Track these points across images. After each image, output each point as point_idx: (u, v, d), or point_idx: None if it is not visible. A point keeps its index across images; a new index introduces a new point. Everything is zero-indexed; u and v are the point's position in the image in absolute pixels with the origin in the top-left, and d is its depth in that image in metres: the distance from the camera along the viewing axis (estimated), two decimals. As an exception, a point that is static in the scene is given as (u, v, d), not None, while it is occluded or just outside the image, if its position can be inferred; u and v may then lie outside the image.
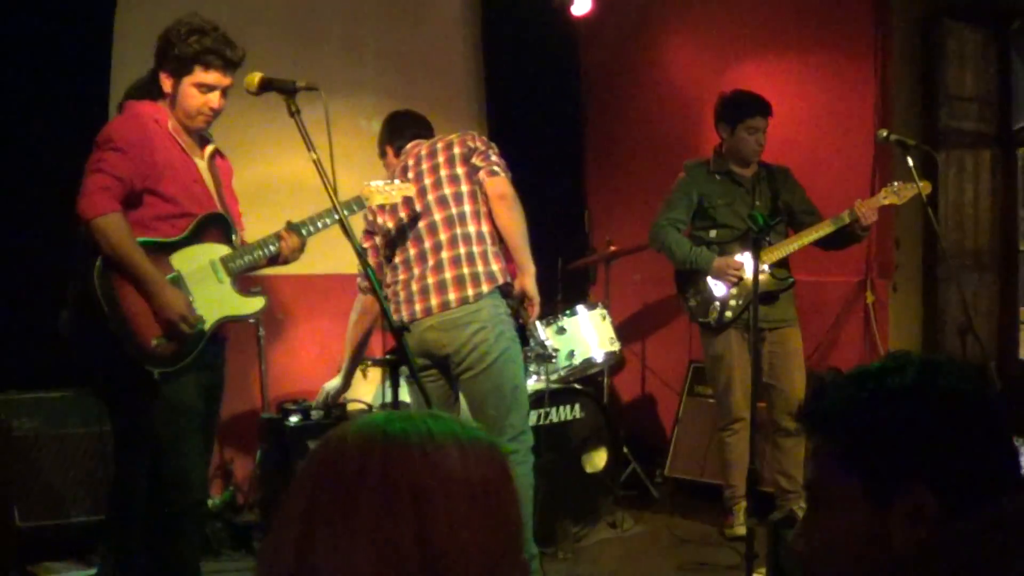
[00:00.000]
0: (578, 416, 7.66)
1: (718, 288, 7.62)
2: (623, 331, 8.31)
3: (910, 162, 7.06)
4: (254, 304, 5.58)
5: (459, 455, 1.76)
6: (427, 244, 6.27)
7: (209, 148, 5.58)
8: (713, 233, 7.77)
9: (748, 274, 7.47)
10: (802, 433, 7.49)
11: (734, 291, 7.56)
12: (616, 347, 8.09)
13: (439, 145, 6.41)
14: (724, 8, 9.35)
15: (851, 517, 2.02)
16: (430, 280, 6.20)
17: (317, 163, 4.73)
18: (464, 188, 6.26)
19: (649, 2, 9.84)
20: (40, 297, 6.68)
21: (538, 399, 7.40)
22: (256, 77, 4.93)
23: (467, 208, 6.26)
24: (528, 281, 6.18)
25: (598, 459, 7.74)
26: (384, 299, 4.60)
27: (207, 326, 5.31)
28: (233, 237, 5.50)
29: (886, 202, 7.43)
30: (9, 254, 7.02)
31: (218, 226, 5.44)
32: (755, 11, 9.10)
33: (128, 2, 7.57)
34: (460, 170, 6.29)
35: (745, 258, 7.55)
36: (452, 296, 6.14)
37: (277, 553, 1.74)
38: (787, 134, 7.95)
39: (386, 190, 5.98)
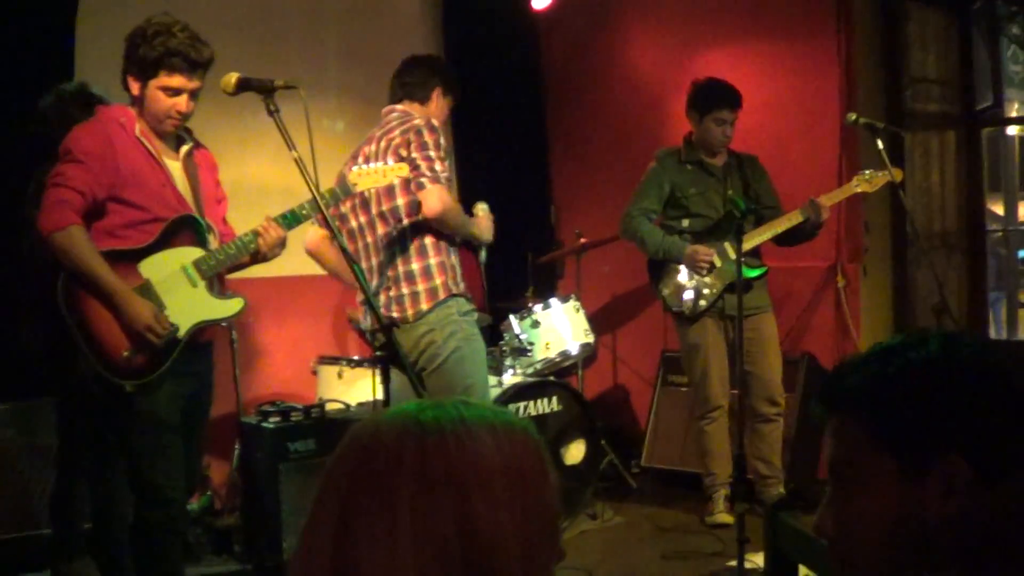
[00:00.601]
0: (555, 409, 7.65)
1: (688, 277, 7.62)
2: (594, 323, 8.30)
3: (880, 144, 7.09)
4: (231, 306, 5.50)
5: (493, 441, 1.76)
6: (374, 261, 6.28)
7: (185, 147, 5.48)
8: (686, 222, 7.77)
9: (719, 263, 7.50)
10: (779, 419, 7.56)
11: (708, 279, 7.56)
12: (591, 339, 8.11)
13: (378, 144, 6.28)
14: (685, -3, 9.37)
15: (883, 494, 2.01)
16: (381, 297, 6.19)
17: (299, 162, 4.68)
18: (400, 201, 6.17)
19: (609, -7, 9.85)
20: (9, 307, 6.66)
21: (515, 393, 7.39)
22: (233, 77, 4.87)
23: (404, 223, 6.20)
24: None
25: (576, 451, 7.73)
26: (374, 298, 4.56)
27: (181, 333, 5.22)
28: (209, 238, 5.43)
29: (858, 190, 7.46)
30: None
31: (190, 229, 5.33)
32: (716, -1, 9.12)
33: (90, 8, 7.51)
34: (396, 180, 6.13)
35: (717, 247, 7.56)
36: (396, 315, 6.13)
37: (312, 551, 1.73)
38: (752, 120, 7.96)
39: (376, 172, 5.83)
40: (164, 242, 5.23)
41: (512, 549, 1.71)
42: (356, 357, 7.93)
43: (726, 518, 7.54)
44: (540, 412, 7.49)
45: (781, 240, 7.61)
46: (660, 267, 7.77)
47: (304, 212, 5.48)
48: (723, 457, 7.66)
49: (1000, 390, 2.00)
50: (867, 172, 7.45)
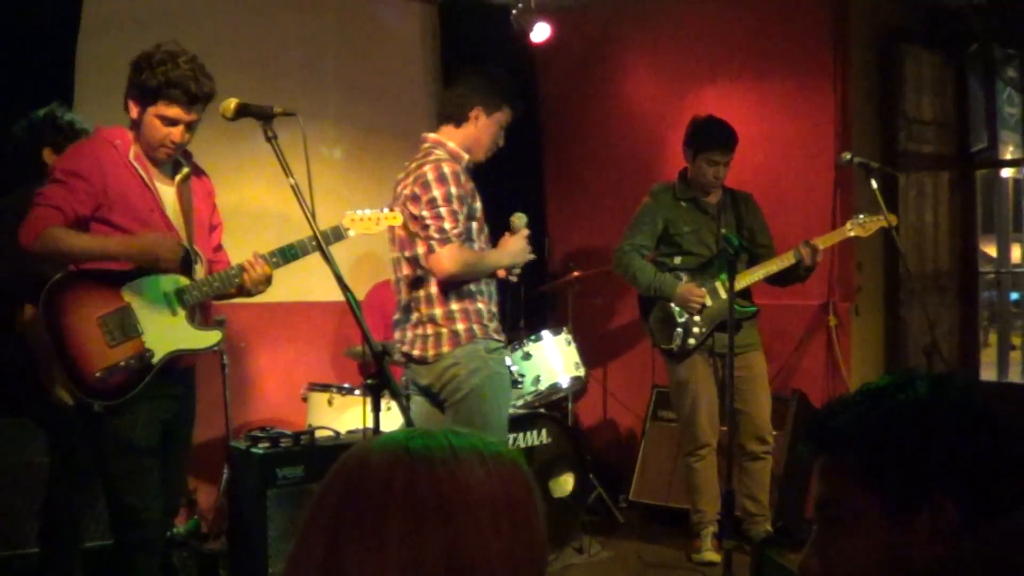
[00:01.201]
0: (545, 441, 7.66)
1: (679, 314, 7.61)
2: (585, 356, 8.30)
3: (874, 184, 7.10)
4: (209, 338, 5.49)
5: (483, 470, 1.77)
6: (403, 297, 6.29)
7: (180, 174, 5.48)
8: (678, 260, 7.76)
9: (710, 302, 7.51)
10: (768, 456, 7.56)
11: (697, 318, 7.55)
12: (581, 372, 8.09)
13: (401, 187, 6.21)
14: (683, 34, 9.39)
15: (870, 535, 2.01)
16: (407, 332, 6.22)
17: (295, 188, 4.68)
18: (420, 250, 6.11)
19: (608, 29, 9.88)
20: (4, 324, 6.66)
21: (511, 424, 7.38)
22: (232, 103, 4.86)
23: (416, 271, 6.18)
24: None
25: (565, 484, 7.73)
26: (363, 325, 4.56)
27: (156, 359, 5.23)
28: (196, 267, 5.43)
29: (852, 234, 7.47)
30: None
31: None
32: (714, 36, 9.15)
33: (90, 32, 7.53)
34: (402, 231, 6.17)
35: (708, 286, 7.56)
36: (417, 353, 6.16)
37: (300, 573, 1.74)
38: (747, 158, 7.96)
39: (370, 220, 5.83)
40: (149, 268, 5.24)
41: (497, 563, 1.71)
42: (347, 385, 7.92)
43: (713, 556, 7.53)
44: (529, 444, 7.49)
45: (773, 280, 7.60)
46: (651, 303, 7.76)
47: (293, 252, 5.49)
48: (711, 494, 7.65)
49: (987, 432, 2.01)
50: (861, 216, 7.46)
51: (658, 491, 8.65)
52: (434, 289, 6.12)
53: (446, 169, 6.03)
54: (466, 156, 6.27)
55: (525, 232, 6.24)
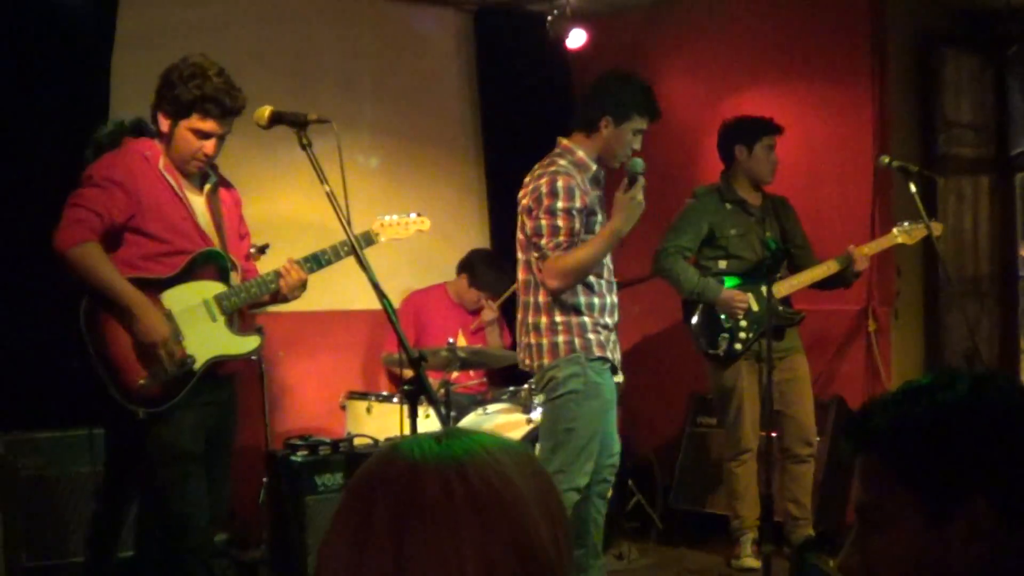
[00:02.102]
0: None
1: (724, 319, 7.55)
2: (623, 363, 8.25)
3: (912, 188, 7.06)
4: (248, 344, 5.54)
5: (513, 463, 1.79)
6: (519, 298, 6.45)
7: (209, 184, 5.52)
8: (723, 264, 7.65)
9: (756, 307, 7.45)
10: (812, 460, 7.52)
11: (743, 322, 7.51)
12: (620, 378, 8.05)
13: (521, 195, 6.34)
14: (720, 38, 9.36)
15: (908, 536, 1.99)
16: (520, 339, 6.42)
17: (331, 196, 4.68)
18: (532, 255, 6.22)
19: (644, 34, 9.85)
20: (44, 337, 6.69)
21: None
22: (266, 111, 4.88)
23: (532, 276, 6.28)
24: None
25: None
26: (399, 331, 4.56)
27: (197, 366, 5.26)
28: (231, 274, 5.46)
29: (898, 241, 7.45)
30: (13, 294, 6.99)
31: (213, 263, 5.40)
32: (751, 40, 9.11)
33: (125, 43, 7.56)
34: (523, 235, 6.29)
35: (753, 290, 7.50)
36: (527, 363, 6.34)
37: None
38: (785, 162, 7.90)
39: (399, 225, 5.90)
40: (188, 274, 5.28)
41: (550, 557, 1.75)
42: (385, 392, 7.94)
43: (752, 562, 7.49)
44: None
45: (817, 284, 7.57)
46: (695, 308, 7.70)
47: (327, 257, 5.53)
48: (751, 500, 7.61)
49: None
50: (907, 224, 7.43)
51: (698, 497, 8.62)
52: (542, 298, 6.23)
53: (560, 184, 6.09)
54: (594, 166, 6.33)
55: (641, 182, 6.05)
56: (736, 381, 7.58)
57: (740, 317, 7.49)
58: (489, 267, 8.57)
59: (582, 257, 6.09)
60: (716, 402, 7.89)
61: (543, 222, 6.06)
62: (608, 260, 6.35)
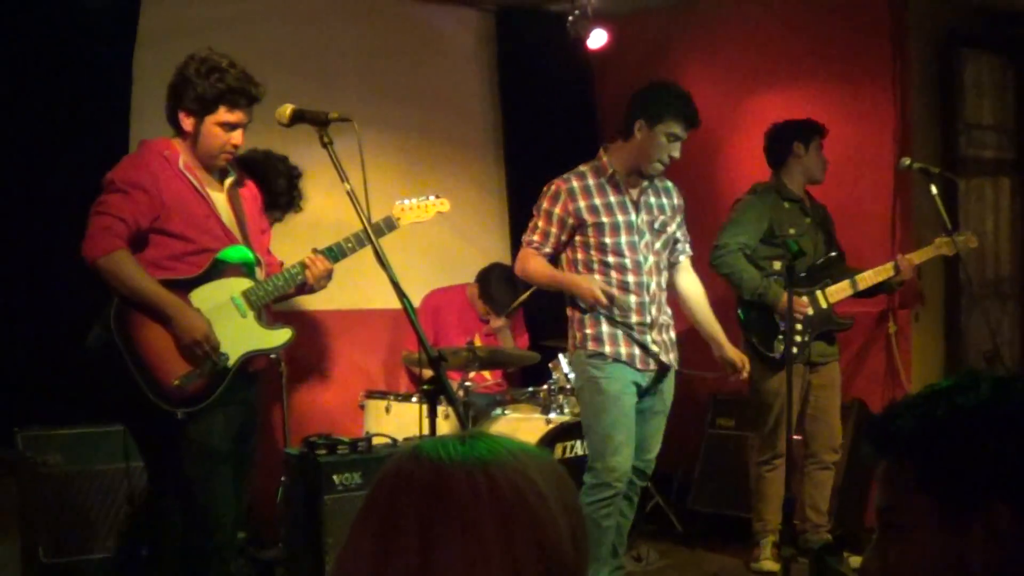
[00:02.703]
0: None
1: (781, 322, 7.44)
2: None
3: (934, 190, 7.05)
4: (280, 337, 5.55)
5: (535, 463, 1.82)
6: None
7: (228, 180, 5.53)
8: (777, 265, 7.49)
9: (811, 311, 7.40)
10: (835, 466, 7.49)
11: (798, 326, 7.41)
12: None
13: None
14: (741, 39, 9.34)
15: (928, 540, 1.97)
16: None
17: (351, 194, 4.69)
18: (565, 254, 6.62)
19: (665, 35, 9.84)
20: (65, 335, 6.70)
21: (562, 431, 7.38)
22: (288, 109, 4.88)
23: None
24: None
25: (623, 492, 7.69)
26: (419, 330, 4.56)
27: (231, 362, 5.28)
28: (256, 269, 5.47)
29: (942, 251, 7.44)
30: (35, 294, 7.02)
31: (239, 260, 5.41)
32: (772, 42, 9.09)
33: (147, 40, 7.58)
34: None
35: (809, 294, 7.47)
36: None
37: None
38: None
39: (419, 208, 5.94)
40: (214, 273, 5.29)
41: (572, 558, 1.78)
42: (404, 392, 7.94)
43: (772, 565, 7.45)
44: (578, 454, 7.44)
45: (862, 291, 7.58)
46: (751, 309, 7.58)
47: (349, 246, 5.55)
48: (778, 504, 7.55)
49: None
50: (960, 234, 7.46)
51: (717, 499, 8.60)
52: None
53: (553, 186, 6.50)
54: (611, 169, 6.51)
55: (613, 292, 6.38)
56: (784, 385, 7.45)
57: (797, 322, 7.41)
58: (501, 284, 8.53)
59: (533, 272, 6.59)
60: (758, 404, 7.69)
61: (534, 214, 6.54)
62: (637, 257, 6.46)
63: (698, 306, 6.83)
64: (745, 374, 6.80)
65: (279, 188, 7.07)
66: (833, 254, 7.55)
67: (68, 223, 6.02)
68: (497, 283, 8.57)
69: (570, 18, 9.14)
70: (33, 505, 6.65)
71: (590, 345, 6.39)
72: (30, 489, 6.66)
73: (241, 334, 5.34)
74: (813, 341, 7.45)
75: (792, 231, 7.51)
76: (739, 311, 7.64)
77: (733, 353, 6.81)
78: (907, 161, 7.26)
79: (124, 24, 7.45)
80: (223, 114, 5.28)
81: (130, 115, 7.38)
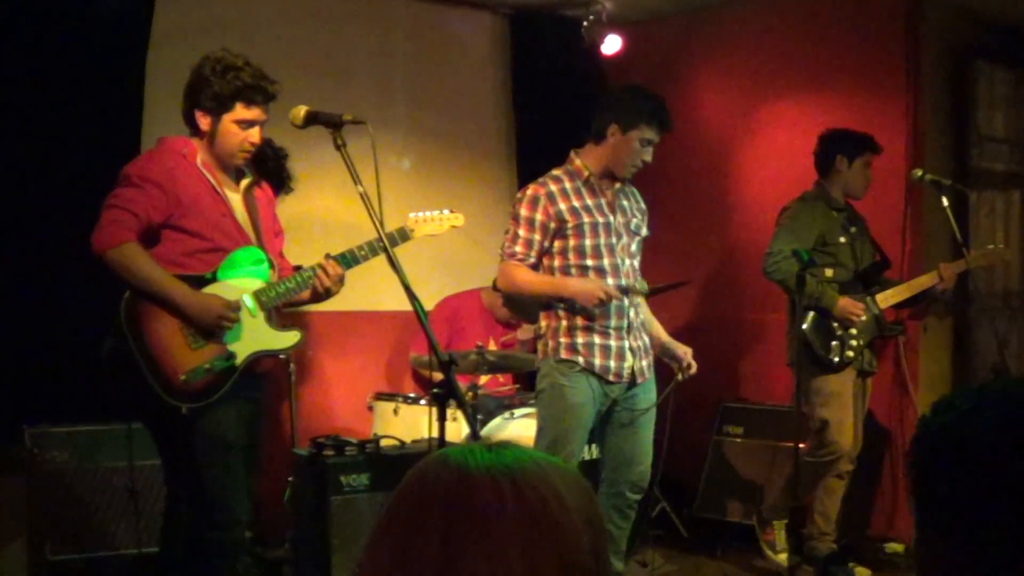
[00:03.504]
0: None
1: (838, 327, 7.41)
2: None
3: (945, 202, 7.06)
4: (289, 338, 5.55)
5: (557, 475, 1.81)
6: None
7: (245, 181, 5.54)
8: (829, 272, 7.49)
9: (866, 317, 7.40)
10: (849, 476, 7.48)
11: (853, 330, 7.42)
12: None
13: None
14: (754, 49, 9.34)
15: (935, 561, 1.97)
16: None
17: (364, 196, 4.71)
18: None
19: (679, 42, 9.85)
20: (72, 332, 6.72)
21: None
22: (302, 110, 4.89)
23: None
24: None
25: (629, 497, 7.70)
26: (428, 332, 4.57)
27: (239, 361, 5.29)
28: (269, 271, 5.47)
29: (981, 263, 7.45)
30: (41, 290, 7.02)
31: (251, 260, 5.41)
32: (785, 52, 9.09)
33: (160, 40, 7.59)
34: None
35: (864, 301, 7.47)
36: None
37: None
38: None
39: (433, 220, 5.95)
40: (226, 272, 5.28)
41: (593, 570, 1.77)
42: (412, 394, 7.95)
43: (783, 559, 7.43)
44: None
45: (906, 301, 7.63)
46: (805, 314, 7.42)
47: (362, 253, 5.54)
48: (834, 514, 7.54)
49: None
50: (992, 247, 7.53)
51: (723, 506, 8.61)
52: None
53: (529, 192, 6.37)
54: (586, 172, 6.45)
55: (617, 294, 6.30)
56: (843, 387, 7.43)
57: (853, 326, 7.42)
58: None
59: (524, 284, 6.41)
60: (813, 408, 7.49)
61: (510, 225, 6.39)
62: (615, 261, 6.46)
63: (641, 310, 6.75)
64: (693, 370, 6.71)
65: (267, 170, 7.04)
66: (878, 260, 7.56)
67: (78, 221, 6.04)
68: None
69: (585, 23, 9.17)
70: (40, 502, 6.67)
71: (563, 353, 6.34)
72: (37, 486, 6.68)
73: (250, 334, 5.34)
74: (867, 347, 7.46)
75: (842, 240, 7.53)
76: (790, 319, 7.61)
77: (677, 347, 6.77)
78: (919, 172, 7.26)
79: (138, 24, 7.45)
80: (240, 111, 5.28)
81: (143, 115, 7.38)
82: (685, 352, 6.71)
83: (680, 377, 6.69)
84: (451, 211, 6.05)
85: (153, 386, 5.09)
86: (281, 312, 5.66)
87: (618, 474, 6.47)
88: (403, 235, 5.72)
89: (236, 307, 5.24)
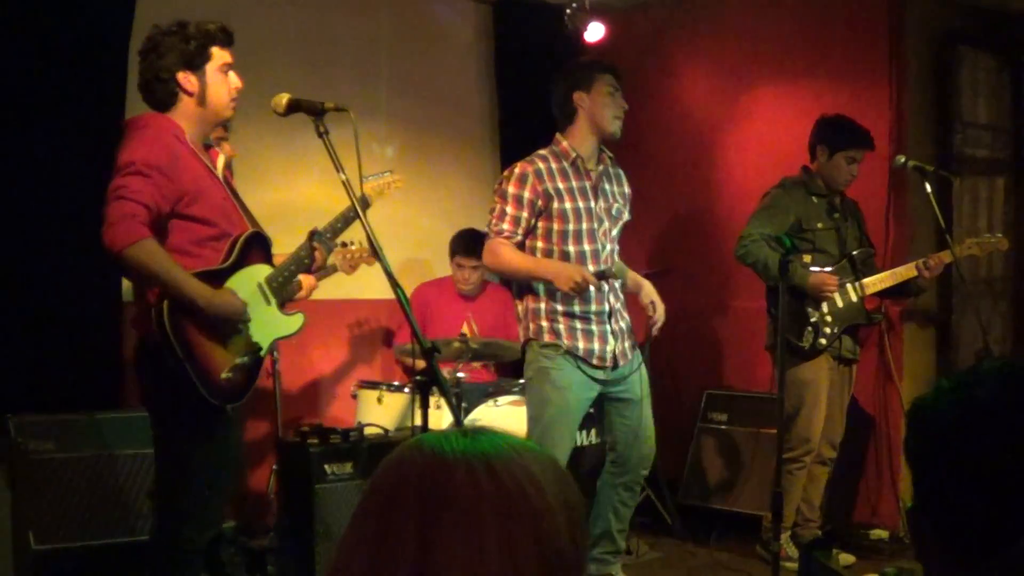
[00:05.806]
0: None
1: (811, 312, 7.44)
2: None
3: (928, 188, 7.06)
4: (296, 322, 5.47)
5: (535, 460, 1.81)
6: None
7: (221, 159, 5.40)
8: (807, 258, 7.50)
9: (840, 303, 7.40)
10: (832, 463, 7.49)
11: (828, 317, 7.44)
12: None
13: None
14: (738, 35, 9.35)
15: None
16: None
17: (347, 184, 4.68)
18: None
19: (662, 29, 9.85)
20: (55, 320, 6.70)
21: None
22: (284, 98, 4.85)
23: None
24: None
25: (613, 485, 7.70)
26: (412, 320, 4.55)
27: (263, 351, 5.25)
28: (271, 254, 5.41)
29: (970, 252, 7.43)
30: (23, 276, 6.99)
31: (259, 245, 5.32)
32: (769, 38, 9.09)
33: (143, 29, 7.52)
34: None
35: (841, 287, 7.48)
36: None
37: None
38: (800, 160, 7.86)
39: (376, 182, 6.09)
40: (243, 260, 5.17)
41: (571, 555, 1.78)
42: (396, 383, 7.95)
43: (792, 550, 7.43)
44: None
45: (892, 290, 7.60)
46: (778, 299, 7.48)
47: (339, 226, 5.56)
48: (794, 503, 7.51)
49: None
50: (987, 236, 7.53)
51: (707, 494, 8.62)
52: (519, 284, 6.66)
53: (517, 169, 6.45)
54: (573, 153, 6.52)
55: (594, 280, 6.32)
56: (817, 376, 7.44)
57: (826, 312, 7.42)
58: (460, 236, 8.56)
59: (507, 262, 6.48)
60: (790, 395, 7.27)
61: (496, 202, 6.44)
62: (596, 246, 6.53)
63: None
64: (658, 316, 6.73)
65: None
66: (863, 248, 7.55)
67: (60, 211, 6.03)
68: (456, 237, 8.57)
69: (568, 11, 9.16)
70: (24, 491, 6.64)
71: (546, 336, 6.42)
72: (21, 475, 6.65)
73: (267, 322, 5.26)
74: (842, 335, 7.45)
75: (820, 225, 7.53)
76: (768, 303, 7.64)
77: (651, 291, 6.80)
78: (902, 159, 7.25)
79: (120, 13, 7.40)
80: (219, 55, 5.18)
81: (125, 105, 7.34)
82: (655, 303, 6.76)
83: (654, 331, 6.78)
84: (391, 172, 6.33)
85: (200, 389, 4.99)
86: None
87: (629, 450, 6.61)
88: (364, 202, 5.65)
89: (244, 305, 5.16)
